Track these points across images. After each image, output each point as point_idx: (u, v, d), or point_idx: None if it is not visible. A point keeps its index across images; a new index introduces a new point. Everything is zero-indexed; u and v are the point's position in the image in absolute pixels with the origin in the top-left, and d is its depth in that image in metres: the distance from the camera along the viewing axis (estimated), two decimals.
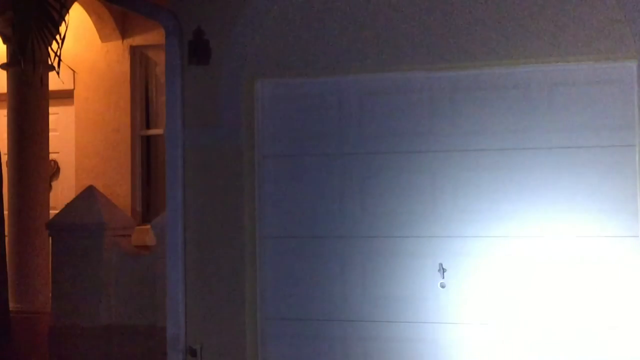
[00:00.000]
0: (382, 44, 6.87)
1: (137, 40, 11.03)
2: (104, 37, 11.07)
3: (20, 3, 7.71)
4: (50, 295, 8.94)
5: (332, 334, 7.11)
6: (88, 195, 8.75)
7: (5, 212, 8.81)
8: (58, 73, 7.98)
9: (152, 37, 10.79)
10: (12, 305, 8.89)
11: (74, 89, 11.16)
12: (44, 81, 9.47)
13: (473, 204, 6.79)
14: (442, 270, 6.84)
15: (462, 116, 6.83)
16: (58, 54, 7.82)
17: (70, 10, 9.10)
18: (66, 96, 11.09)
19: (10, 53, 9.59)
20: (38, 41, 7.71)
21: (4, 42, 9.64)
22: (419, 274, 6.90)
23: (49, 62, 8.05)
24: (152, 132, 11.13)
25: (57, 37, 7.84)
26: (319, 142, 7.16)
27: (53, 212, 9.62)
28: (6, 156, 9.62)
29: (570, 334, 6.59)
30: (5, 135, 9.91)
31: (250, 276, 7.18)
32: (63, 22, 7.96)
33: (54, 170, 11.35)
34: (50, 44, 7.82)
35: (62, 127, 11.35)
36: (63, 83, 9.13)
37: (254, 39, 7.13)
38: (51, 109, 10.10)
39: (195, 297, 7.20)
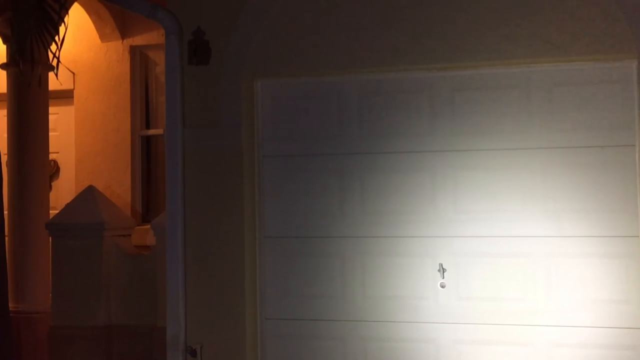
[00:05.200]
0: (382, 44, 6.87)
1: (137, 40, 11.03)
2: (104, 37, 11.07)
3: (19, 4, 7.72)
4: (50, 295, 8.94)
5: (332, 334, 7.11)
6: (88, 195, 8.75)
7: (5, 212, 8.81)
8: (56, 74, 7.99)
9: (152, 37, 10.80)
10: (12, 305, 8.89)
11: (73, 89, 11.16)
12: (43, 81, 9.47)
13: (473, 204, 6.79)
14: (442, 270, 6.84)
15: (462, 116, 6.83)
16: (57, 55, 7.83)
17: (70, 10, 9.12)
18: (66, 96, 11.09)
19: (10, 53, 9.59)
20: (37, 42, 7.72)
21: (4, 42, 9.64)
22: (419, 274, 6.91)
23: (49, 63, 8.06)
24: (152, 132, 11.13)
25: (56, 38, 7.85)
26: (319, 142, 7.16)
27: (53, 212, 9.62)
28: (6, 156, 9.62)
29: (570, 334, 6.59)
30: (5, 135, 9.91)
31: (250, 276, 7.18)
32: (62, 24, 7.97)
33: (54, 170, 11.35)
34: (49, 45, 7.82)
35: (62, 127, 11.35)
36: (61, 84, 9.14)
37: (254, 39, 7.13)
38: (51, 109, 10.09)
39: (195, 297, 7.20)
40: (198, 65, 7.20)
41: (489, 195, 6.76)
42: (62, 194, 11.21)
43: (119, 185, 10.96)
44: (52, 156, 10.64)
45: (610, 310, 6.52)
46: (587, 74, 6.59)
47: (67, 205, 8.96)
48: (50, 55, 7.92)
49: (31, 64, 8.01)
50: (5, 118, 9.97)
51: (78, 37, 10.92)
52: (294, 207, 7.19)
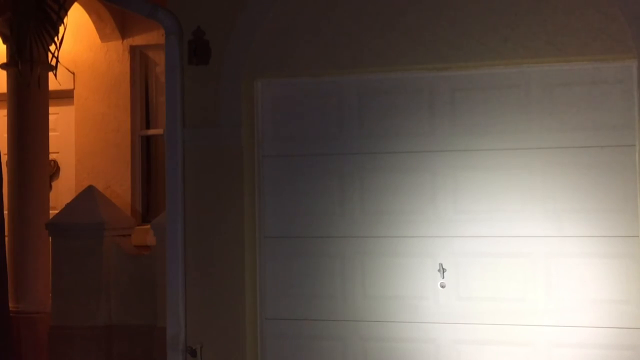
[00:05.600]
0: (382, 43, 6.87)
1: (137, 40, 11.04)
2: (104, 37, 11.07)
3: (19, 4, 7.73)
4: (50, 295, 8.94)
5: (332, 334, 7.11)
6: (88, 195, 8.76)
7: (5, 212, 8.80)
8: (55, 75, 7.99)
9: (152, 37, 10.80)
10: (12, 305, 8.90)
11: (73, 89, 11.17)
12: (43, 81, 9.47)
13: (473, 204, 6.79)
14: (442, 270, 6.84)
15: (462, 116, 6.83)
16: (56, 55, 7.84)
17: (70, 10, 9.13)
18: (66, 96, 11.10)
19: (10, 53, 9.60)
20: (36, 42, 7.73)
21: (4, 42, 9.65)
22: (418, 274, 6.90)
23: (48, 63, 8.06)
24: (152, 132, 11.13)
25: (55, 38, 7.86)
26: (319, 142, 7.16)
27: (53, 212, 9.62)
28: (6, 156, 9.62)
29: (570, 334, 6.59)
30: (5, 135, 9.91)
31: (250, 276, 7.18)
32: (62, 24, 7.98)
33: (54, 170, 11.36)
34: (49, 45, 7.83)
35: (62, 127, 11.35)
36: (61, 84, 9.14)
37: (254, 39, 7.13)
38: (51, 109, 10.09)
39: (195, 297, 7.20)
40: (198, 65, 7.20)
41: (489, 195, 6.76)
42: (62, 194, 11.21)
43: (119, 185, 10.97)
44: (52, 156, 10.65)
45: (610, 310, 6.52)
46: (587, 74, 6.59)
47: (67, 205, 8.96)
48: (50, 56, 7.93)
49: (30, 64, 8.01)
50: (5, 118, 9.97)
51: (78, 37, 10.93)
52: (294, 207, 7.19)
